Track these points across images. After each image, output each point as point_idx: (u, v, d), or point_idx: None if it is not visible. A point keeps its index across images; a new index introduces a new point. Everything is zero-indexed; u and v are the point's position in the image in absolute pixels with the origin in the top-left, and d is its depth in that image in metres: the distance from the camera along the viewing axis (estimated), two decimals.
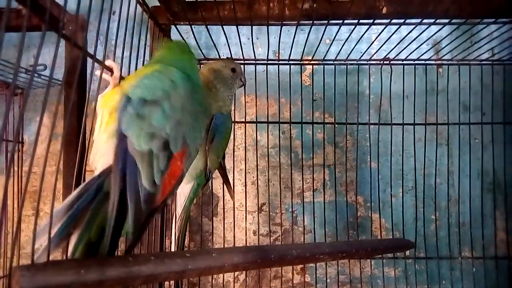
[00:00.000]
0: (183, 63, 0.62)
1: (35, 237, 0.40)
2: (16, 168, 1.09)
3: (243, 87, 0.85)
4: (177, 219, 0.79)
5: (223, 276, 1.14)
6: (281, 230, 1.18)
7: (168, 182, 0.51)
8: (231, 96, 0.82)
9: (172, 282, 0.94)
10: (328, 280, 1.14)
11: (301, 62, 1.07)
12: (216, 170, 0.86)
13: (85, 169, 0.57)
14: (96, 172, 0.50)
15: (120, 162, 0.46)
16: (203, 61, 1.06)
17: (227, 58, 0.96)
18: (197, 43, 0.97)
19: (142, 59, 0.74)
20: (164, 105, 0.51)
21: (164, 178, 0.49)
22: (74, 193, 0.46)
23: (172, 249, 0.79)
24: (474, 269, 1.07)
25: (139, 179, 0.46)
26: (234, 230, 1.13)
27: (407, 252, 1.09)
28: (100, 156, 0.50)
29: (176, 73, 0.57)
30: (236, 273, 1.16)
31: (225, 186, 0.91)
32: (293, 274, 1.15)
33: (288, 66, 1.08)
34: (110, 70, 0.63)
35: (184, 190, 0.78)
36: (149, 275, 0.43)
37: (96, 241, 0.44)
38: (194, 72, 0.64)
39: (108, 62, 0.62)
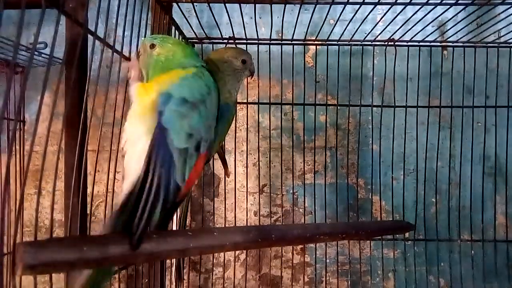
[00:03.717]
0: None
1: (38, 215, 0.40)
2: (18, 147, 1.09)
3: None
4: None
5: (224, 255, 1.16)
6: (281, 211, 1.19)
7: (190, 179, 0.54)
8: (238, 88, 0.81)
9: (173, 260, 0.95)
10: (327, 261, 1.16)
11: (304, 42, 1.06)
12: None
13: (86, 148, 0.57)
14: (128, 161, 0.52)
15: (160, 154, 0.49)
16: (204, 40, 1.04)
17: (237, 47, 0.92)
18: (199, 22, 0.95)
19: (143, 38, 0.73)
20: (200, 108, 0.54)
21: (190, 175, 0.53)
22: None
23: (174, 229, 0.80)
24: (472, 252, 1.08)
25: (173, 173, 0.49)
26: (235, 211, 1.14)
27: (407, 234, 1.10)
28: (137, 152, 0.51)
29: (210, 79, 0.60)
30: (237, 252, 1.17)
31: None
32: (293, 254, 1.16)
33: (291, 46, 1.07)
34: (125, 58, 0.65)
35: None
36: (151, 253, 0.43)
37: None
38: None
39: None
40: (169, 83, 0.55)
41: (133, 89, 0.57)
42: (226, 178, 1.15)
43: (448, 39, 1.02)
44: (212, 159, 0.85)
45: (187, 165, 0.51)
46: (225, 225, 1.14)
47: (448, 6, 0.83)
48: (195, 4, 0.87)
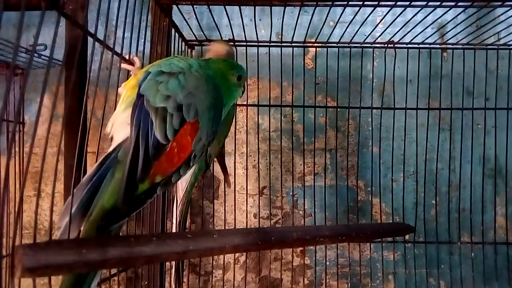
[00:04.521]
0: (210, 68, 0.64)
1: (37, 217, 0.40)
2: (17, 149, 1.09)
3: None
4: (178, 203, 0.79)
5: (224, 257, 1.16)
6: (281, 213, 1.19)
7: (177, 154, 0.52)
8: None
9: (173, 262, 0.95)
10: (327, 263, 1.15)
11: (304, 45, 1.06)
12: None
13: (86, 150, 0.57)
14: (113, 144, 0.52)
15: (136, 114, 0.51)
16: (204, 42, 1.04)
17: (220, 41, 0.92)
18: (199, 24, 0.95)
19: (143, 40, 0.73)
20: (179, 77, 0.55)
21: (173, 144, 0.51)
22: (92, 169, 0.48)
23: (173, 231, 0.80)
24: (472, 254, 1.08)
25: (151, 128, 0.49)
26: (235, 213, 1.14)
27: (407, 236, 1.10)
28: (118, 126, 0.53)
29: (194, 61, 0.60)
30: (237, 254, 1.17)
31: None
32: (293, 256, 1.16)
33: (291, 48, 1.07)
34: (129, 62, 0.64)
35: (186, 175, 0.78)
36: (150, 256, 0.43)
37: (109, 207, 0.46)
38: (221, 79, 0.64)
39: (134, 59, 0.67)
40: (150, 66, 0.58)
41: (122, 86, 0.60)
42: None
43: (448, 41, 1.03)
44: (212, 162, 0.84)
45: (168, 124, 0.51)
46: (224, 227, 1.14)
47: (448, 8, 0.84)
48: (195, 6, 0.87)
